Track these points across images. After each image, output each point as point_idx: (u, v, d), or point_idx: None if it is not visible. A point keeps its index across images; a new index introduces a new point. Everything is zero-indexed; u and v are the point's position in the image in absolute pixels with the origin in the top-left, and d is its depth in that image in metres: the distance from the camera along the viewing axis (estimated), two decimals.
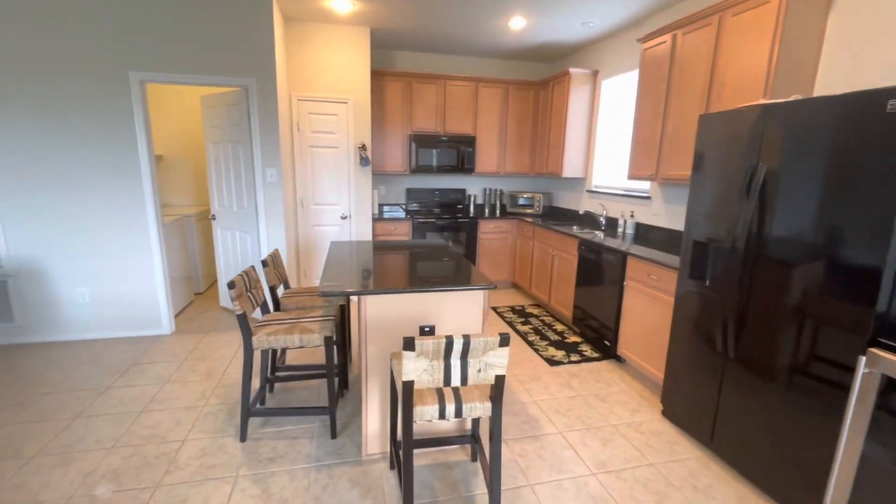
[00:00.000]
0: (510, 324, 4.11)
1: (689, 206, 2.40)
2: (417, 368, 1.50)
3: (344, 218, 4.52)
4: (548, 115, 4.90)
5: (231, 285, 2.11)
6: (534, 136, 5.27)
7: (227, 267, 4.18)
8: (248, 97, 3.50)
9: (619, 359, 3.35)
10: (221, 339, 3.60)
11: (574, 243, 3.83)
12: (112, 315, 3.58)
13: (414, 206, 5.35)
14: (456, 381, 1.55)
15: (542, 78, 5.34)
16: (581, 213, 4.41)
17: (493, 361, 1.55)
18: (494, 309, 4.52)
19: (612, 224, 4.30)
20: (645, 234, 3.82)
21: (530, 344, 3.64)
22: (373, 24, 4.12)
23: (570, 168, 4.67)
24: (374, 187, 5.22)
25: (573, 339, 3.77)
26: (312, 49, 4.12)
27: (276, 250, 2.92)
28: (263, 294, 2.48)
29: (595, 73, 4.49)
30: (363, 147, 4.34)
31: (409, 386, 1.52)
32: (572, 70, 4.41)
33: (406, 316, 2.08)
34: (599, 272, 3.44)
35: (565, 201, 5.28)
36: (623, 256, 3.14)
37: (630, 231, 3.94)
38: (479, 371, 1.55)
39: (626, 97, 4.12)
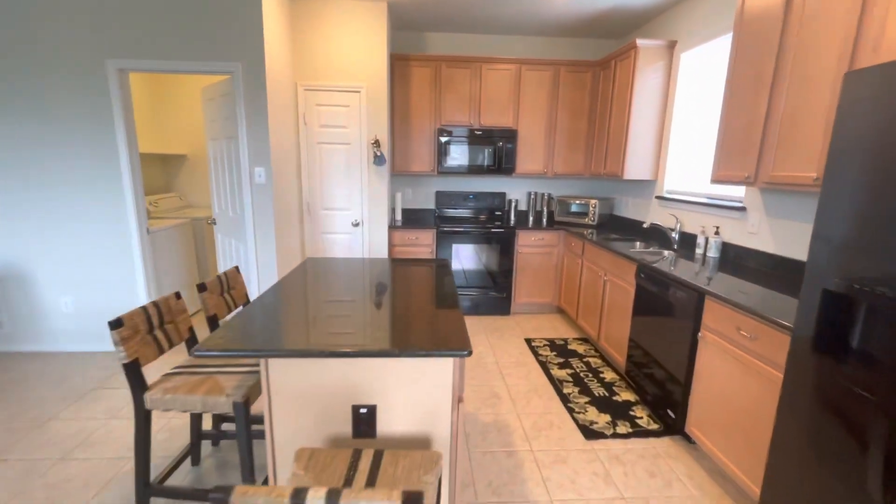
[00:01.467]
0: (544, 364, 3.24)
1: (817, 231, 1.44)
2: None
3: (356, 225, 3.93)
4: (608, 101, 3.94)
5: (116, 324, 1.55)
6: (590, 129, 4.31)
7: None
8: (234, 85, 3.01)
9: (686, 437, 2.37)
10: None
11: (631, 269, 2.88)
12: (95, 327, 3.28)
13: (446, 213, 4.64)
14: None
15: (600, 57, 4.35)
16: (646, 225, 3.41)
17: None
18: (529, 342, 3.66)
19: (687, 242, 3.26)
20: (735, 258, 2.77)
21: (564, 399, 2.76)
22: None
23: (635, 168, 3.68)
24: (399, 190, 4.59)
25: (625, 395, 2.82)
26: (321, 30, 3.57)
27: (236, 268, 2.37)
28: (189, 329, 1.92)
29: (671, 45, 3.46)
30: (377, 143, 3.71)
31: None
32: (640, 42, 3.42)
33: (333, 389, 1.38)
34: (665, 311, 2.48)
35: (628, 210, 4.26)
36: (698, 295, 2.17)
37: (713, 254, 2.90)
38: None
39: (713, 73, 3.07)
